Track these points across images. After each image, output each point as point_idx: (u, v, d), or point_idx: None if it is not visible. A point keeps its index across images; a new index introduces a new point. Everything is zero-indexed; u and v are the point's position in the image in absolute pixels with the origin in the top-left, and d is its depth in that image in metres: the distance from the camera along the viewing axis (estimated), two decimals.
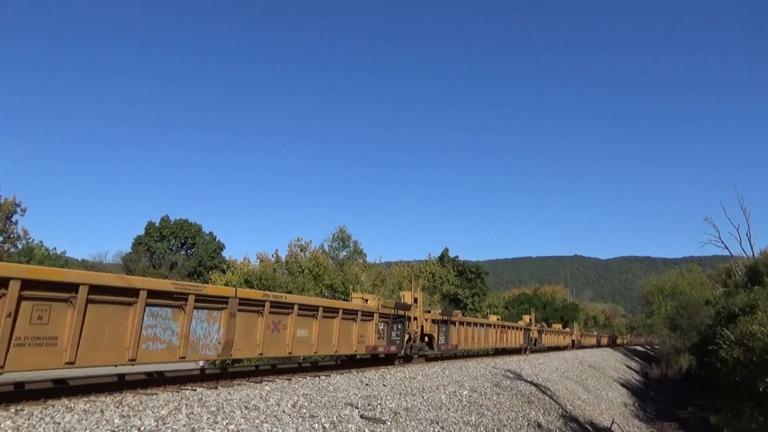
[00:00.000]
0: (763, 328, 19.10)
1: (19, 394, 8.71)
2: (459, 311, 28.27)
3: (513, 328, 33.66)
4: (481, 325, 28.23)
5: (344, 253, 45.77)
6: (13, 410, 7.35)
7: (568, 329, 53.86)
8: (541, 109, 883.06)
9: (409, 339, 19.42)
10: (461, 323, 25.20)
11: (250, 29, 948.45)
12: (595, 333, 76.98)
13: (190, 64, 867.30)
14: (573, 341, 54.14)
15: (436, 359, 23.19)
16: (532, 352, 37.34)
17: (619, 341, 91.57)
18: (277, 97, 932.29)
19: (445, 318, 23.09)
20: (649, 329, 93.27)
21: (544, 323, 51.33)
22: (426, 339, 21.23)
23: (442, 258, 61.40)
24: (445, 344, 22.93)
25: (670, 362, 52.55)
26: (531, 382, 20.11)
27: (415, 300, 20.90)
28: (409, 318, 19.26)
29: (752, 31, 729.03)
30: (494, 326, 29.93)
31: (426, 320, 21.13)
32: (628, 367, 51.93)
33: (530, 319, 38.91)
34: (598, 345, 69.66)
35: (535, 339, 38.56)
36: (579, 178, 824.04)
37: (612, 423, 20.22)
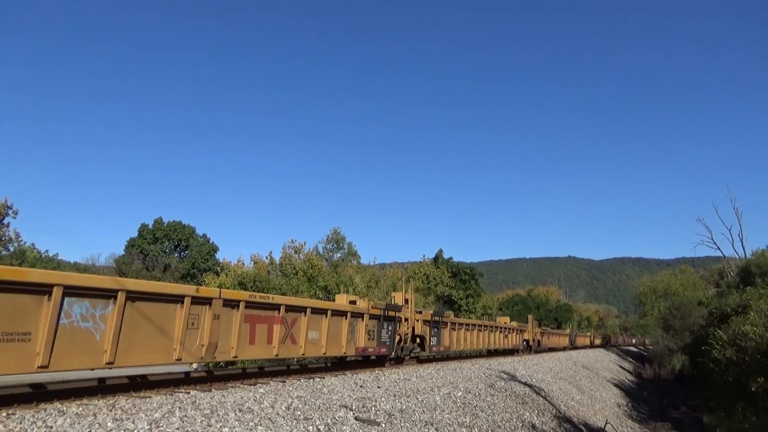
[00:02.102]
0: (755, 329, 19.25)
1: (11, 397, 8.63)
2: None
3: (332, 314, 15.14)
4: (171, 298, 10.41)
5: (338, 255, 45.72)
6: (4, 414, 7.29)
7: (514, 324, 35.92)
8: (533, 110, 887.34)
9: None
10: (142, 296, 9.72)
11: (245, 30, 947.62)
12: (567, 331, 60.63)
13: (181, 64, 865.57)
14: (527, 342, 37.57)
15: None
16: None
17: (597, 342, 75.84)
18: (271, 98, 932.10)
19: None
20: (642, 330, 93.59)
21: (449, 312, 27.48)
22: None
23: (436, 259, 61.50)
24: None
25: (663, 362, 52.84)
26: (525, 383, 20.15)
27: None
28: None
29: (744, 32, 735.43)
30: (258, 307, 12.46)
31: None
32: (621, 367, 52.15)
33: (405, 298, 20.45)
34: (573, 346, 55.45)
35: (419, 337, 21.01)
36: (572, 179, 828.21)
37: (606, 423, 20.29)
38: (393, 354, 18.96)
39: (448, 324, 24.10)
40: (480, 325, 28.42)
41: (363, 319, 16.89)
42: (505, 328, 33.01)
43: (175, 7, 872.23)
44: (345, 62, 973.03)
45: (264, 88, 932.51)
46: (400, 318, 19.43)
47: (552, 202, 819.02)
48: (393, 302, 20.42)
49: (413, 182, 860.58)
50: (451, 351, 24.79)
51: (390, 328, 18.71)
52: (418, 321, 20.76)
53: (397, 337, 19.12)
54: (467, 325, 26.78)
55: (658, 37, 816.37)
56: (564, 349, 50.32)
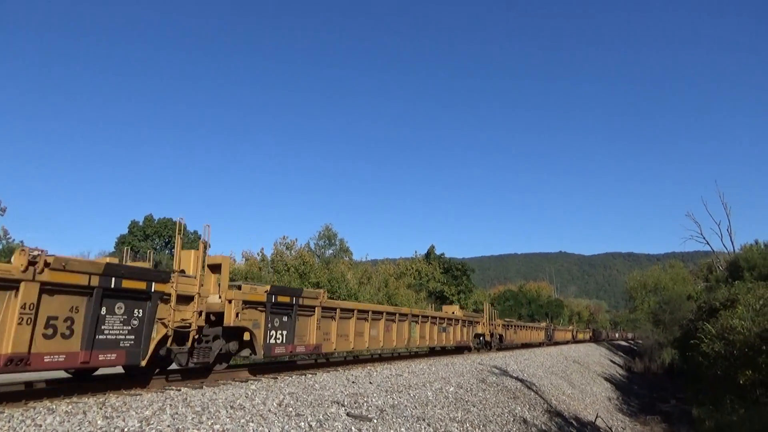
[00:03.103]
0: (743, 322, 19.43)
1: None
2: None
3: None
4: None
5: (330, 252, 45.72)
6: None
7: (459, 314, 27.85)
8: (524, 107, 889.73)
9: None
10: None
11: (238, 28, 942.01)
12: (543, 324, 52.57)
13: (172, 61, 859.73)
14: (482, 338, 30.13)
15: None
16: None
17: (581, 336, 69.33)
18: (263, 95, 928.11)
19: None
20: (632, 324, 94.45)
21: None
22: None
23: (428, 255, 61.63)
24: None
25: (653, 356, 53.39)
26: (517, 378, 20.26)
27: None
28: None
29: (733, 30, 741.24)
30: None
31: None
32: (611, 361, 52.61)
33: (207, 262, 12.40)
34: (551, 342, 48.93)
35: (246, 331, 12.78)
36: (563, 175, 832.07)
37: (596, 417, 20.45)
38: (143, 362, 9.87)
39: (316, 310, 14.95)
40: (392, 314, 19.57)
41: (17, 296, 7.82)
42: (443, 319, 24.57)
43: (167, 5, 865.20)
44: (338, 60, 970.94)
45: (257, 85, 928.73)
46: (168, 296, 10.44)
47: (543, 197, 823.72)
48: (177, 265, 11.44)
49: (405, 179, 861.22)
50: (325, 353, 15.85)
51: (139, 314, 9.84)
52: (231, 303, 12.18)
53: (162, 332, 10.36)
54: (364, 312, 17.55)
55: (647, 34, 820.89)
56: (540, 345, 44.42)
